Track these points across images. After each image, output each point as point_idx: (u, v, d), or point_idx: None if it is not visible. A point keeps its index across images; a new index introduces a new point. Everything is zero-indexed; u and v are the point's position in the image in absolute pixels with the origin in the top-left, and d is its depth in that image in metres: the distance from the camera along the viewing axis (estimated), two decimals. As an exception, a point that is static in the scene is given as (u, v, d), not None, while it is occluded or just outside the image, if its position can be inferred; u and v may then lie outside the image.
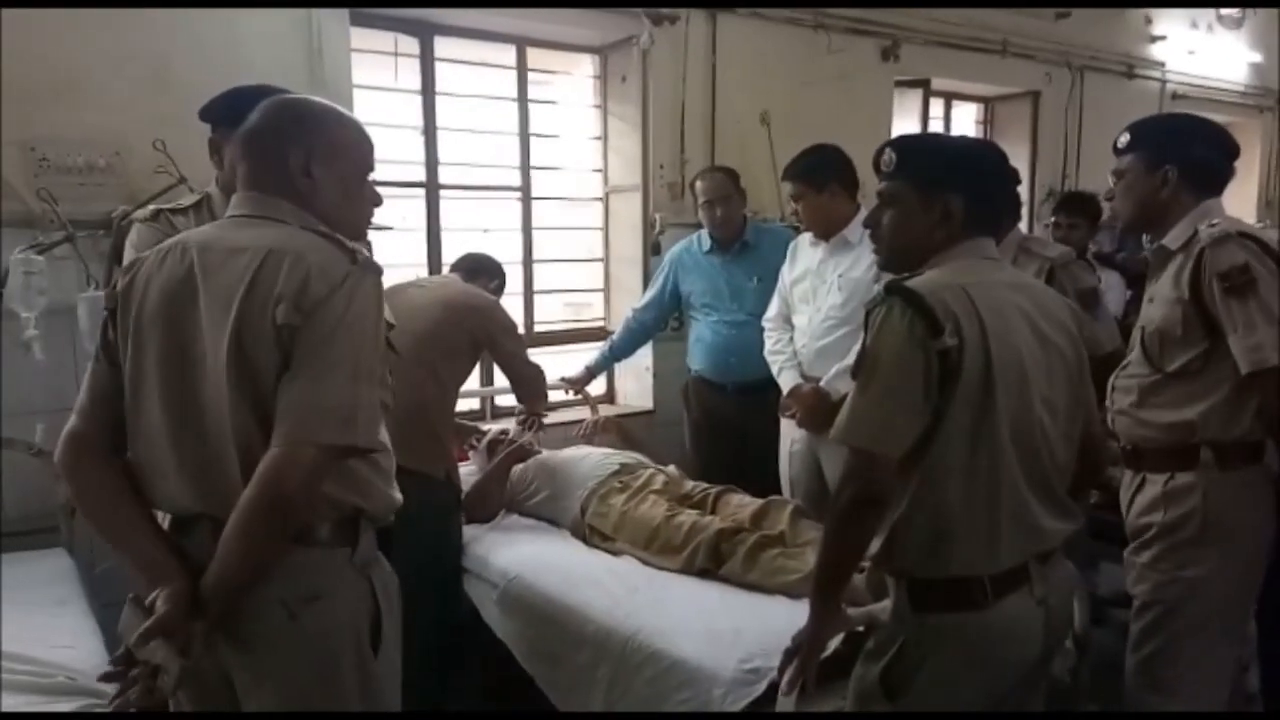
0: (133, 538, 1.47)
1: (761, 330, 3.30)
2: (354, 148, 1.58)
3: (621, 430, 3.64)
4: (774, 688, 1.78)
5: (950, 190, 1.60)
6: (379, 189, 1.64)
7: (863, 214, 3.02)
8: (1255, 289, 1.88)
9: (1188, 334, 1.98)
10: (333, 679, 1.46)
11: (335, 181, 1.54)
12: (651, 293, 3.69)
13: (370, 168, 1.62)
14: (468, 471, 3.21)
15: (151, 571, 1.43)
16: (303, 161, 1.50)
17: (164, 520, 1.53)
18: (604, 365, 3.80)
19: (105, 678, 1.41)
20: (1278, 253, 1.95)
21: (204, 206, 2.20)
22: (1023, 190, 3.77)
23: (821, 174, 3.03)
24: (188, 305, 1.45)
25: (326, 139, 1.54)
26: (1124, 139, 2.13)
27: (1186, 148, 2.06)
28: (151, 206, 2.16)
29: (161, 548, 1.45)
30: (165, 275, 1.48)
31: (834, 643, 1.77)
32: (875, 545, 1.58)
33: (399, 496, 1.59)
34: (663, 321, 3.77)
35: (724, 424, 3.52)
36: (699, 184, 3.56)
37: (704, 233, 3.58)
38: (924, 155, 1.68)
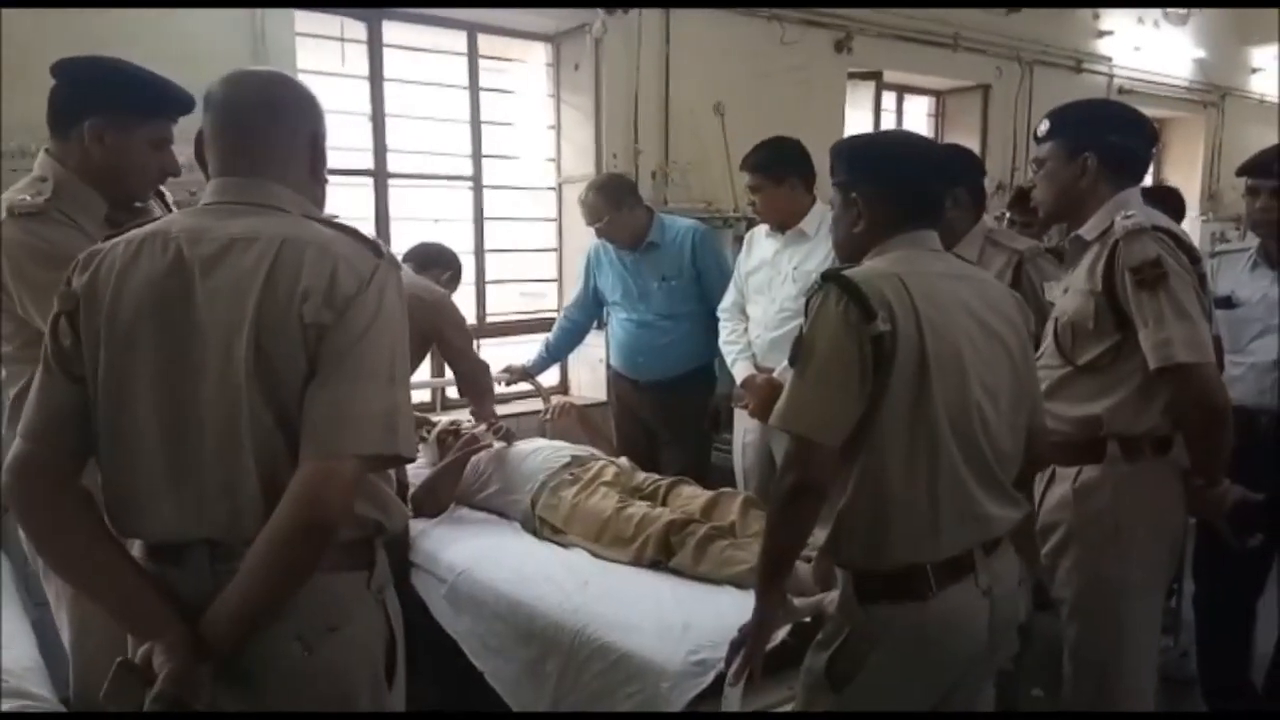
0: (111, 580, 1.29)
1: (668, 329, 3.36)
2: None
3: (583, 416, 3.63)
4: (721, 679, 1.78)
5: (853, 188, 1.66)
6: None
7: (819, 206, 3.04)
8: (1166, 283, 1.86)
9: (1099, 327, 1.96)
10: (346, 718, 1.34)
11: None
12: (578, 290, 3.63)
13: None
14: (416, 465, 3.16)
15: (136, 621, 1.28)
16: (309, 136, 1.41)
17: (132, 548, 1.35)
18: (541, 366, 3.74)
19: None
20: (1191, 247, 1.95)
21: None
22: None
23: (780, 167, 3.01)
24: (180, 303, 1.27)
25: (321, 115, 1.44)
26: (1044, 126, 2.09)
27: (1105, 135, 2.02)
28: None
29: (149, 592, 1.28)
30: (145, 269, 1.29)
31: (781, 633, 1.78)
32: (822, 536, 1.58)
33: (408, 509, 1.47)
34: (592, 318, 3.70)
35: (638, 418, 3.55)
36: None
37: None
38: (838, 157, 1.71)
